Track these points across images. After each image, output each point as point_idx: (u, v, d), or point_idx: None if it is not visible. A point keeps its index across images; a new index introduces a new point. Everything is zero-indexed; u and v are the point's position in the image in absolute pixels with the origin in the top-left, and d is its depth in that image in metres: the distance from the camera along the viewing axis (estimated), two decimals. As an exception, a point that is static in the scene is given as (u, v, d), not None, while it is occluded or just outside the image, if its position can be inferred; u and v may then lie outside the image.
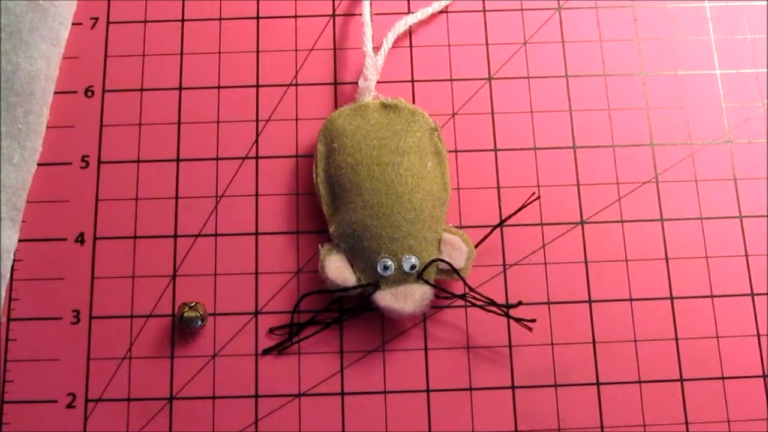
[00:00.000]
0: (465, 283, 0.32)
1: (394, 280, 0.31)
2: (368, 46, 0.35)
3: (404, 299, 0.31)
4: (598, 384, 0.32)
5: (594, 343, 0.33)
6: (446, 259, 0.32)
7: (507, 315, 0.32)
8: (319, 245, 0.33)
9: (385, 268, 0.31)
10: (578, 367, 0.33)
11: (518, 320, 0.32)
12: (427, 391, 0.32)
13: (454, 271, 0.31)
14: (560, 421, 0.32)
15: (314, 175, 0.33)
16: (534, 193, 0.34)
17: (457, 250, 0.32)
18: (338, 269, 0.32)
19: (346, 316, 0.32)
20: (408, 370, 0.32)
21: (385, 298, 0.31)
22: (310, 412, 0.32)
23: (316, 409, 0.32)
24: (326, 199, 0.33)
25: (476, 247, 0.33)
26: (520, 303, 0.32)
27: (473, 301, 0.32)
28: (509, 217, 0.33)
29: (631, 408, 0.32)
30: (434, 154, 0.33)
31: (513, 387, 0.32)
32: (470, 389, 0.32)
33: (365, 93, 0.34)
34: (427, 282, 0.31)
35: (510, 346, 0.33)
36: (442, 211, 0.33)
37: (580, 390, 0.32)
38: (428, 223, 0.32)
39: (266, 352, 0.32)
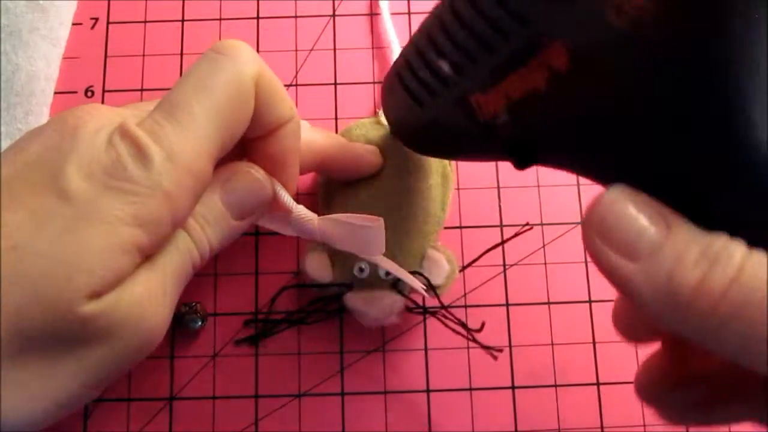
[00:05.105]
0: (440, 301, 0.31)
1: (367, 285, 0.31)
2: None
3: (372, 304, 0.31)
4: (598, 384, 0.32)
5: (594, 343, 0.33)
6: (426, 275, 0.31)
7: (474, 340, 0.32)
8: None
9: (361, 270, 0.31)
10: (578, 367, 0.33)
11: (485, 347, 0.32)
12: (427, 391, 0.32)
13: (430, 286, 0.31)
14: (560, 421, 0.32)
15: (319, 177, 0.34)
16: (527, 223, 0.34)
17: (439, 268, 0.31)
18: (317, 267, 0.32)
19: (317, 316, 0.33)
20: (408, 370, 0.33)
21: (354, 299, 0.31)
22: (310, 412, 0.32)
23: (316, 409, 0.32)
24: (322, 197, 0.33)
25: (476, 261, 0.32)
26: (482, 326, 0.32)
27: (443, 320, 0.32)
28: (499, 245, 0.33)
29: (631, 408, 0.32)
30: (440, 175, 0.33)
31: (513, 387, 0.32)
32: (470, 389, 0.32)
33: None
34: (400, 292, 0.31)
35: (510, 346, 0.33)
36: (434, 229, 0.32)
37: (580, 390, 0.32)
38: (416, 237, 0.32)
39: (239, 342, 0.33)
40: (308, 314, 0.33)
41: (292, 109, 0.26)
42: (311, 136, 0.30)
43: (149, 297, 0.22)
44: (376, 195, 0.32)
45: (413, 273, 0.31)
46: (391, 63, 0.35)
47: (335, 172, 0.32)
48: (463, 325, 0.32)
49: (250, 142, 0.26)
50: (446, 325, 0.32)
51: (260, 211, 0.27)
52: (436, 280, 0.31)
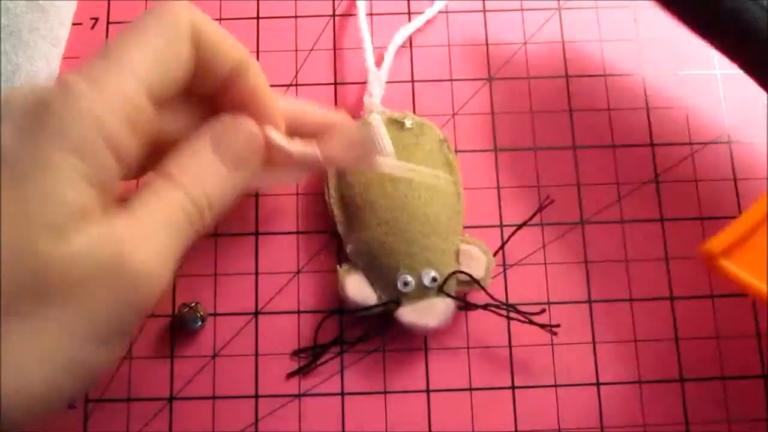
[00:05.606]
0: (487, 293, 0.31)
1: (415, 296, 0.31)
2: (370, 62, 0.34)
3: (427, 314, 0.31)
4: (598, 384, 0.32)
5: (594, 343, 0.33)
6: (466, 270, 0.31)
7: (531, 322, 0.32)
8: (337, 266, 0.32)
9: (405, 284, 0.31)
10: (578, 367, 0.33)
11: (542, 326, 0.32)
12: (427, 391, 0.32)
13: (475, 281, 0.31)
14: (560, 421, 0.32)
15: (326, 197, 0.33)
16: (548, 197, 0.34)
17: (476, 260, 0.31)
18: (358, 288, 0.31)
19: (370, 336, 0.32)
20: (408, 370, 0.32)
21: (407, 314, 0.31)
22: (310, 412, 0.32)
23: (316, 409, 0.32)
24: (341, 219, 0.33)
25: (495, 254, 0.32)
26: (543, 310, 0.32)
27: (496, 310, 0.32)
28: (527, 221, 0.33)
29: (631, 408, 0.32)
30: (445, 166, 0.33)
31: (513, 387, 0.32)
32: (470, 389, 0.32)
33: (371, 109, 0.34)
34: (448, 295, 0.31)
35: (510, 346, 0.33)
36: (457, 222, 0.32)
37: (580, 390, 0.32)
38: (444, 235, 0.32)
39: (291, 375, 0.32)
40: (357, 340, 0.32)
41: (243, 50, 0.27)
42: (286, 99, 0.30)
43: (130, 241, 0.22)
44: (394, 205, 0.31)
45: (454, 272, 0.31)
46: (366, 63, 0.34)
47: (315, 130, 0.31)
48: (518, 311, 0.32)
49: (220, 97, 0.27)
50: (501, 315, 0.32)
51: (255, 157, 0.27)
52: (476, 273, 0.31)
